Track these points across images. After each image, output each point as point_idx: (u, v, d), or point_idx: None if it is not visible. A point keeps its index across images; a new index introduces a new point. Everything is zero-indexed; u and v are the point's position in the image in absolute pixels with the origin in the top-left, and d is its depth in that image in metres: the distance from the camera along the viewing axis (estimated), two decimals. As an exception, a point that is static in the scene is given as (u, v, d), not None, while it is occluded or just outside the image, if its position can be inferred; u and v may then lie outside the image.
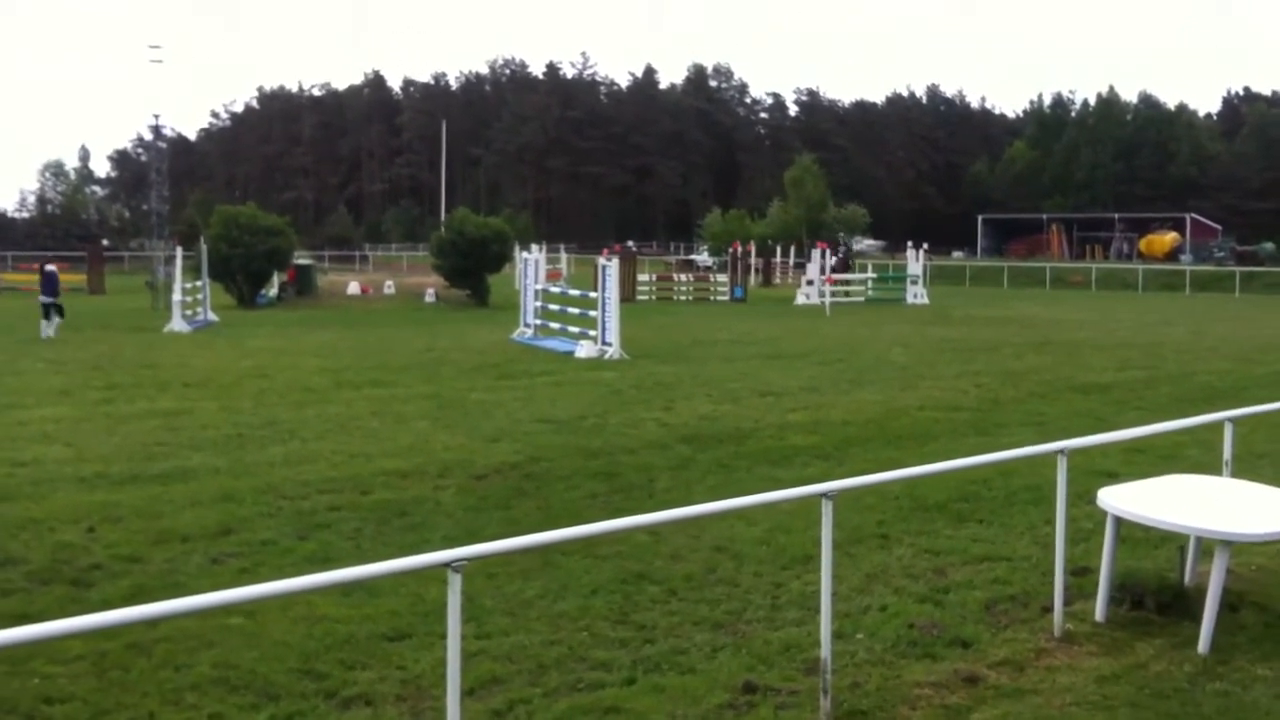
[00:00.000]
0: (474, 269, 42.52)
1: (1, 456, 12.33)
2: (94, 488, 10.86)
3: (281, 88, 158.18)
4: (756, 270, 58.67)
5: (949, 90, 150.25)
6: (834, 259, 45.12)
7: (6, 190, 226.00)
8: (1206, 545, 7.57)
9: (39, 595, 7.77)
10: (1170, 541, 8.33)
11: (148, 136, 77.57)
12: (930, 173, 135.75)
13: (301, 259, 48.52)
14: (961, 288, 63.78)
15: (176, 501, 10.30)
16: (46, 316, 28.32)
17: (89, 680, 6.23)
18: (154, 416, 15.09)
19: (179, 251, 35.13)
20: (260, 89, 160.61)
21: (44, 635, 4.31)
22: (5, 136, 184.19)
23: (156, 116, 68.73)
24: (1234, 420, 8.29)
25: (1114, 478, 9.63)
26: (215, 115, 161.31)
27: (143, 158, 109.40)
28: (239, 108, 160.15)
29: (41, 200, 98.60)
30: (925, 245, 51.32)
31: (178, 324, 30.36)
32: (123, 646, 6.62)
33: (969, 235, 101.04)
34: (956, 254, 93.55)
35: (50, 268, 30.50)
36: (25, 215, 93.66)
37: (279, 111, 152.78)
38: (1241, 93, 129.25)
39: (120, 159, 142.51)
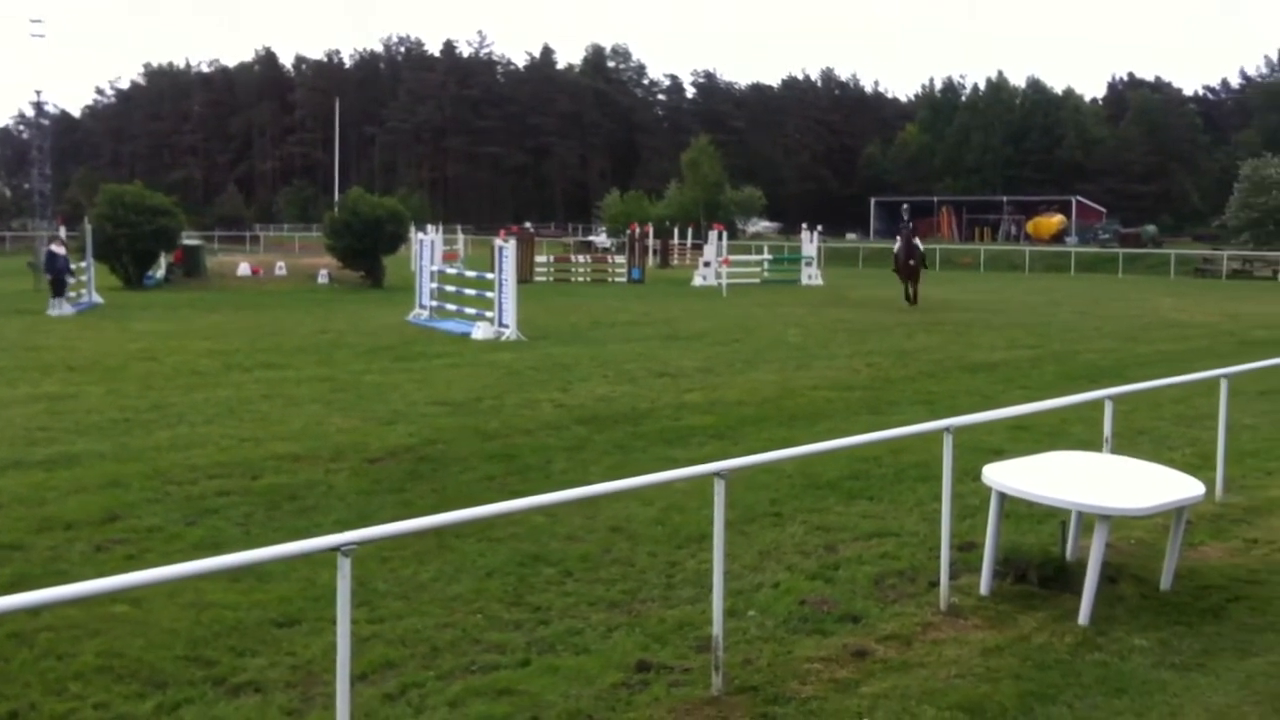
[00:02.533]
0: (369, 250, 41.93)
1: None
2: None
3: (170, 64, 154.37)
4: (654, 251, 58.84)
5: (843, 74, 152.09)
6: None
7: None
8: (1087, 520, 7.80)
9: (-87, 585, 7.52)
10: (1053, 517, 8.58)
11: (29, 113, 75.18)
12: (825, 155, 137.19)
13: (190, 239, 47.39)
14: (855, 269, 64.68)
15: (60, 488, 10.03)
16: (57, 291, 29.77)
17: (-34, 671, 6.06)
18: (37, 401, 14.67)
19: (63, 231, 34.08)
20: (147, 65, 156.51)
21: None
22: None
23: (38, 93, 67.06)
24: (1114, 398, 8.55)
25: (1000, 454, 9.89)
26: (101, 92, 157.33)
27: (24, 135, 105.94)
28: (125, 84, 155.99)
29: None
30: (820, 227, 51.97)
31: (61, 306, 29.50)
32: (3, 636, 6.48)
33: (863, 217, 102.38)
34: (850, 236, 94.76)
35: (54, 246, 31.68)
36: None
37: (168, 88, 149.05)
38: (1126, 78, 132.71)
39: (1, 136, 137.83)
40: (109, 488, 10.02)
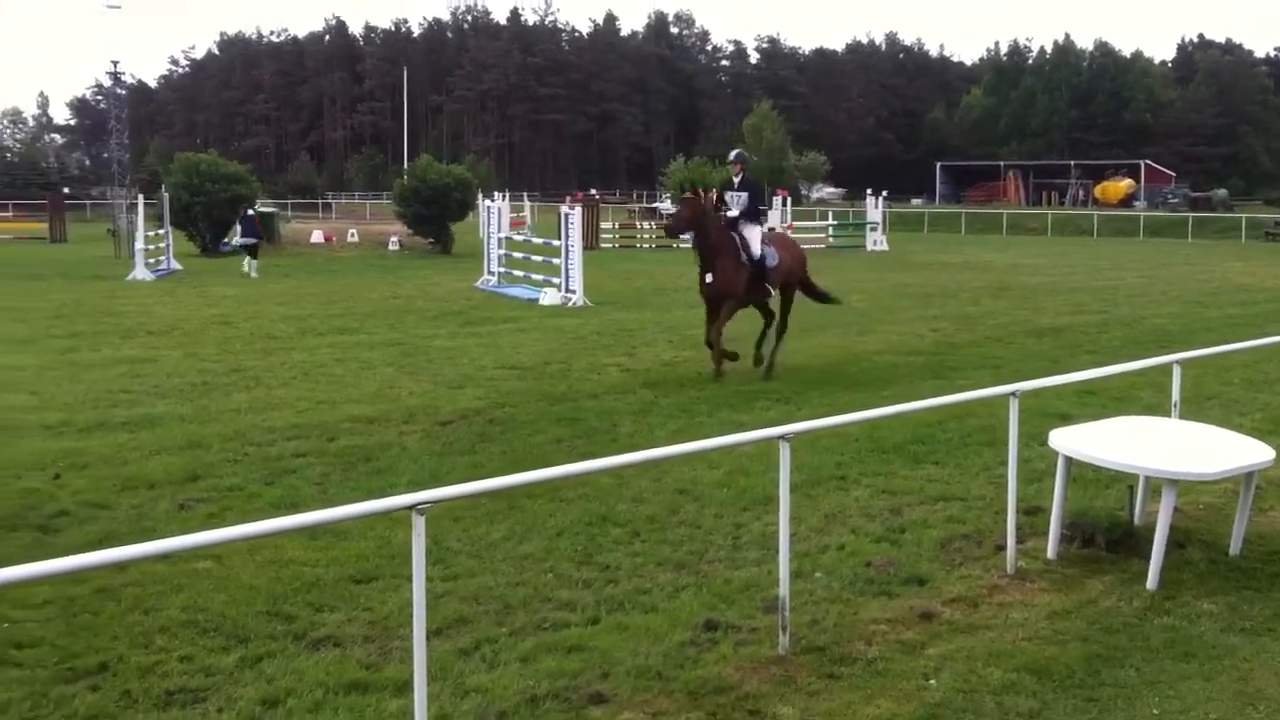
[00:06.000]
0: (437, 217, 42.30)
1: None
2: (60, 435, 10.87)
3: (241, 34, 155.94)
4: (720, 217, 58.52)
5: (908, 38, 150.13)
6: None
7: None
8: (1155, 485, 7.78)
9: (4, 541, 7.80)
10: (1120, 481, 8.55)
11: (107, 83, 76.26)
12: (889, 120, 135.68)
13: (264, 206, 48.03)
14: (920, 234, 64.06)
15: (143, 448, 10.33)
16: (253, 254, 32.22)
17: (58, 624, 6.29)
18: (119, 364, 15.07)
19: (141, 199, 34.74)
20: (222, 35, 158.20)
21: (10, 579, 4.38)
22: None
23: (115, 63, 67.53)
24: (1182, 363, 8.48)
25: (1066, 419, 9.85)
26: (175, 62, 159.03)
27: (102, 105, 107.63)
28: (199, 54, 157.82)
29: (0, 149, 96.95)
30: (885, 192, 51.46)
31: (141, 272, 30.11)
32: (91, 591, 6.69)
33: (928, 182, 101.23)
34: (915, 201, 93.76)
35: (251, 210, 34.94)
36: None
37: (239, 58, 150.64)
38: (1195, 40, 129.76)
39: (80, 106, 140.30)
40: (190, 448, 10.30)
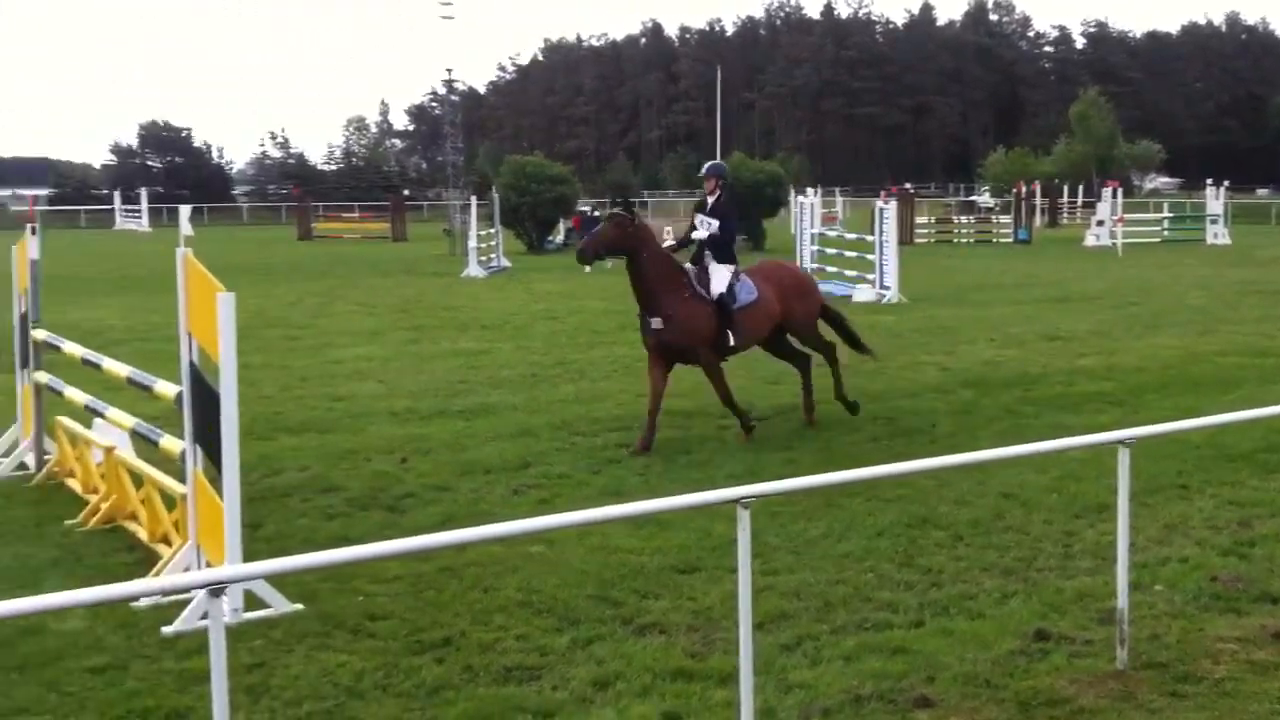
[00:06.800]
0: (749, 213, 42.62)
1: (321, 392, 13.38)
2: (405, 422, 11.65)
3: (563, 40, 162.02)
4: (1042, 211, 56.34)
5: (1250, 17, 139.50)
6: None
7: (315, 144, 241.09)
8: None
9: (358, 520, 8.45)
10: None
11: (441, 91, 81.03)
12: (1230, 105, 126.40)
13: (584, 206, 49.79)
14: (1267, 227, 59.34)
15: (479, 435, 10.95)
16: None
17: (406, 599, 6.75)
18: (456, 356, 16.00)
19: (473, 200, 36.73)
20: (546, 41, 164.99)
21: (367, 556, 4.75)
22: (313, 94, 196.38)
23: (449, 71, 71.93)
24: None
25: None
26: (502, 69, 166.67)
27: (437, 111, 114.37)
28: (524, 60, 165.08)
29: (347, 153, 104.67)
30: (1226, 182, 47.97)
31: (474, 269, 31.81)
32: (436, 569, 7.13)
33: (1275, 171, 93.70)
34: (1261, 191, 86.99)
35: (595, 213, 37.60)
36: (332, 167, 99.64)
37: (561, 63, 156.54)
38: None
39: (417, 113, 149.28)
40: (521, 437, 10.82)
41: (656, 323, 10.65)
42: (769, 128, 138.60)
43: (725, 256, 11.08)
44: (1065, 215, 60.47)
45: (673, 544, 7.58)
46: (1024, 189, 49.63)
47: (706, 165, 11.80)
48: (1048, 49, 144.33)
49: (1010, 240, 45.64)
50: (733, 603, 5.46)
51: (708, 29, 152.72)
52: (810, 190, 43.41)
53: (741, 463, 9.83)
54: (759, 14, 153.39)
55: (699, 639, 6.11)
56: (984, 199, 72.61)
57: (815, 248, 28.58)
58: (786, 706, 5.33)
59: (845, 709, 5.30)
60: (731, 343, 10.96)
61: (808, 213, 30.11)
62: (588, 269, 21.32)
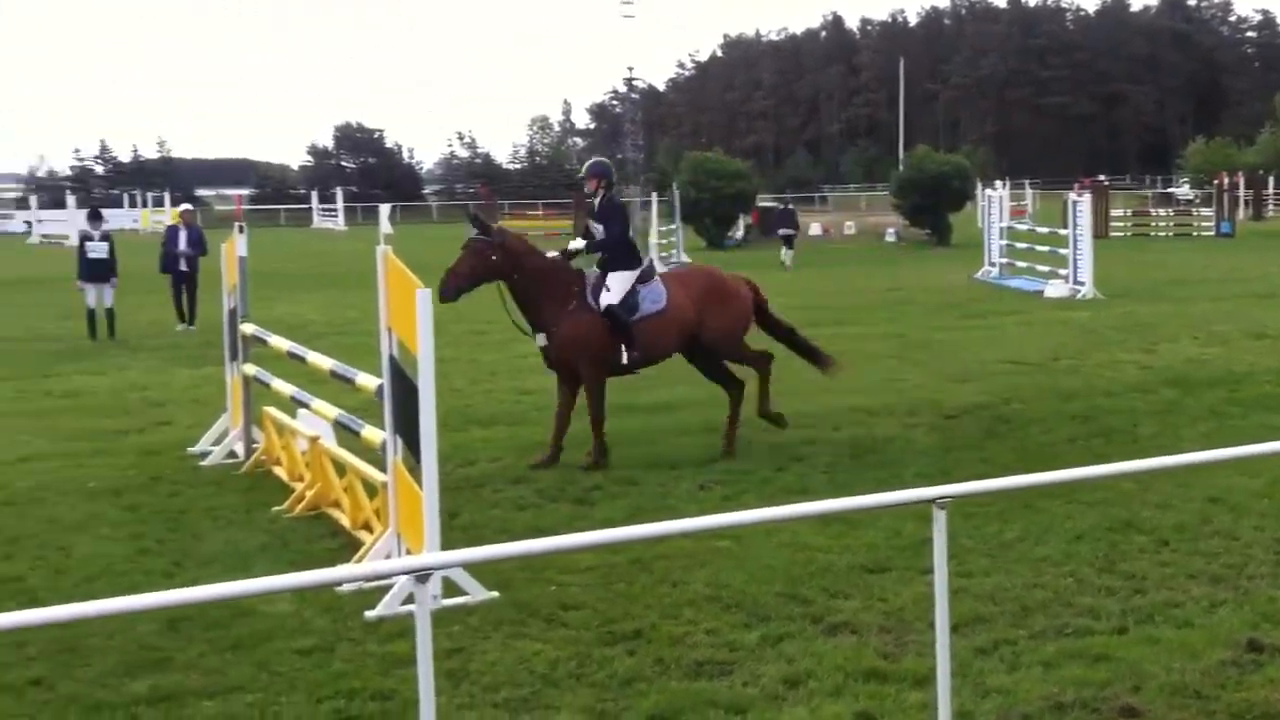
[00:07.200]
0: (934, 207, 41.93)
1: (509, 385, 13.69)
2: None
3: (742, 35, 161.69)
4: (1245, 203, 53.72)
5: None
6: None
7: (500, 144, 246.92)
8: None
9: (549, 511, 8.61)
10: None
11: (622, 89, 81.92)
12: None
13: (764, 201, 49.67)
14: None
15: (664, 430, 11.03)
16: (789, 245, 34.21)
17: (597, 590, 6.83)
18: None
19: (654, 197, 37.00)
20: (725, 36, 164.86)
21: (563, 547, 4.82)
22: (498, 95, 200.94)
23: (630, 69, 72.55)
24: None
25: None
26: (681, 66, 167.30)
27: (618, 110, 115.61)
28: (703, 57, 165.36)
29: (530, 152, 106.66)
30: None
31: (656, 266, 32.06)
32: (626, 561, 7.20)
33: None
34: None
35: (790, 206, 38.13)
36: (516, 166, 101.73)
37: (740, 59, 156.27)
38: None
39: (598, 111, 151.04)
40: (706, 432, 10.81)
41: (541, 339, 9.91)
42: (953, 119, 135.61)
43: (623, 262, 10.03)
44: (1271, 208, 57.48)
45: (861, 543, 7.48)
46: (1226, 180, 47.40)
47: (586, 164, 10.75)
48: (1250, 34, 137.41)
49: (1212, 233, 43.71)
50: (925, 604, 5.36)
51: (890, 20, 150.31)
52: (998, 183, 42.34)
53: (931, 462, 9.66)
54: (943, 4, 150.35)
55: (891, 640, 6.02)
56: (1183, 191, 69.52)
57: (1004, 242, 27.85)
58: (984, 711, 5.21)
59: (1046, 716, 5.15)
60: (625, 360, 9.95)
61: (996, 206, 29.40)
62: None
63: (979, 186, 43.75)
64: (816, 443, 10.40)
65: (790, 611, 6.44)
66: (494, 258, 9.63)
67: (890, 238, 44.71)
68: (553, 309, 9.80)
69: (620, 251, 10.11)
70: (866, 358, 15.07)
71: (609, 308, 9.83)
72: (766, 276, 28.67)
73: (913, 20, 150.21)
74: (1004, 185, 41.66)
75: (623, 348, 9.87)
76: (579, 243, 10.33)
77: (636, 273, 10.07)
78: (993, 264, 28.04)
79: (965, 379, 13.44)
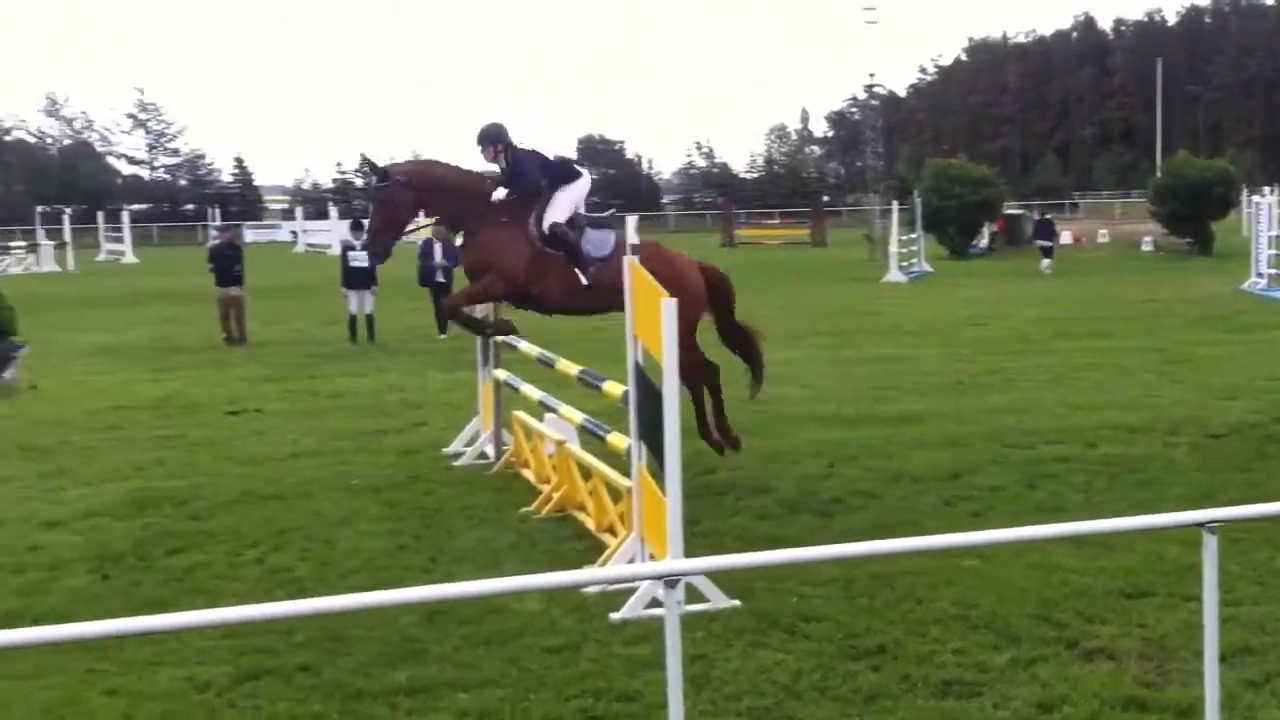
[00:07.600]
0: (1195, 215, 39.77)
1: (746, 395, 13.66)
2: (830, 426, 11.70)
3: (988, 38, 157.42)
4: None
5: None
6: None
7: (738, 153, 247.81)
8: None
9: (789, 522, 8.57)
10: None
11: (861, 96, 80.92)
12: None
13: (1011, 209, 48.22)
14: None
15: (905, 443, 10.82)
16: (1048, 255, 34.14)
17: (839, 603, 6.75)
18: (878, 362, 15.92)
19: (894, 205, 36.46)
20: (969, 40, 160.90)
21: (807, 559, 4.78)
22: (735, 105, 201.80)
23: (871, 75, 71.68)
24: None
25: None
26: (923, 70, 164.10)
27: (856, 116, 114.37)
28: (946, 61, 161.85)
29: (768, 161, 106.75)
30: None
31: (894, 274, 31.57)
32: (868, 575, 7.10)
33: None
34: None
35: (1048, 216, 39.32)
36: (754, 176, 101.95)
37: (984, 62, 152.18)
38: None
39: (837, 119, 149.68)
40: (950, 446, 10.59)
41: (458, 240, 9.21)
42: (1215, 122, 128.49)
43: (566, 179, 9.14)
44: None
45: (1119, 566, 7.15)
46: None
47: (479, 131, 9.28)
48: None
49: None
50: (1189, 632, 5.11)
51: (1146, 20, 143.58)
52: (1266, 189, 39.82)
53: (1194, 483, 9.16)
54: (1204, 2, 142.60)
55: (1153, 668, 5.73)
56: None
57: (1274, 251, 26.21)
58: (1256, 749, 4.91)
59: (1326, 759, 4.81)
60: (585, 281, 8.93)
61: (1265, 214, 27.70)
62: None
63: (1244, 193, 41.32)
64: (1070, 460, 10.01)
65: (1043, 634, 6.21)
66: (397, 198, 9.16)
67: (1147, 246, 42.71)
68: (478, 221, 9.12)
69: (550, 188, 9.11)
70: (1123, 372, 14.48)
71: (553, 226, 8.99)
72: (1020, 286, 27.91)
73: (1171, 19, 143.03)
74: (1273, 192, 39.13)
75: (576, 271, 9.02)
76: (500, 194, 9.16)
77: (586, 187, 9.34)
78: (1261, 274, 26.45)
79: (1232, 396, 12.72)
